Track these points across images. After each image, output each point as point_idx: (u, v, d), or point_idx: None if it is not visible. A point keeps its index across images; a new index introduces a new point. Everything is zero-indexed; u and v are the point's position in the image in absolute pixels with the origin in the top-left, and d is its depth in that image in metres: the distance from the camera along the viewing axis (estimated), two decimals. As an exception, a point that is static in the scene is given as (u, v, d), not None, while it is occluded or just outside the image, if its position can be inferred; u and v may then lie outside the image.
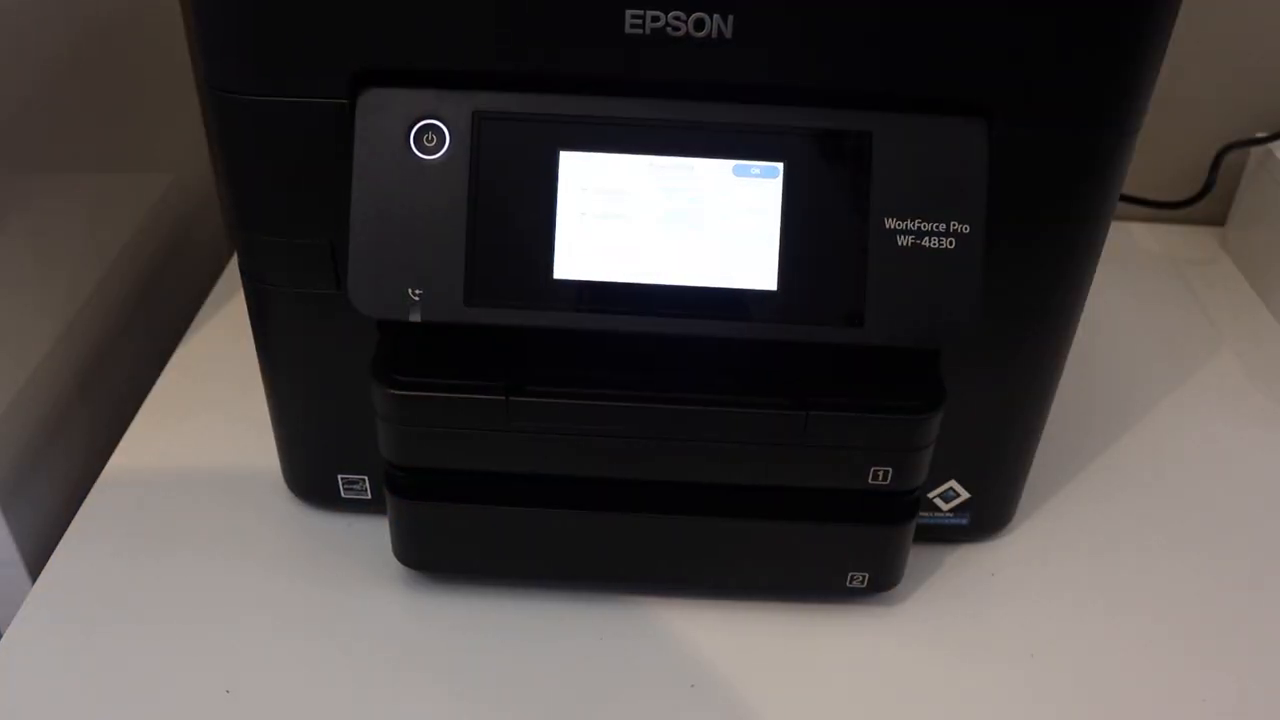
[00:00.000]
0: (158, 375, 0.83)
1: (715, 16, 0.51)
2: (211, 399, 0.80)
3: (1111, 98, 0.53)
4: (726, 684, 0.62)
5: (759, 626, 0.65)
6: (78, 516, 0.71)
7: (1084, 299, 0.61)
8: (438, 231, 0.54)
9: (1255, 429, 0.83)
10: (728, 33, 0.51)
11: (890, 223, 0.54)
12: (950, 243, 0.54)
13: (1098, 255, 0.59)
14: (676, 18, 0.51)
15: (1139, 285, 0.99)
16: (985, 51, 0.52)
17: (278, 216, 0.57)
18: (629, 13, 0.51)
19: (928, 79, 0.53)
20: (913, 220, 0.54)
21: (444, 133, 0.54)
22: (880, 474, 0.59)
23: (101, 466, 0.75)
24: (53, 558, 0.68)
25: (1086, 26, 0.51)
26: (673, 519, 0.62)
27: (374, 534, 0.68)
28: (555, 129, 0.54)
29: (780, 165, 0.54)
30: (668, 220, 0.55)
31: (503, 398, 0.56)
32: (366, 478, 0.68)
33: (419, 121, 0.54)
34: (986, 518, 0.69)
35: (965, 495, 0.67)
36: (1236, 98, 1.01)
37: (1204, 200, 1.01)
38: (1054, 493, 0.75)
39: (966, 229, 0.54)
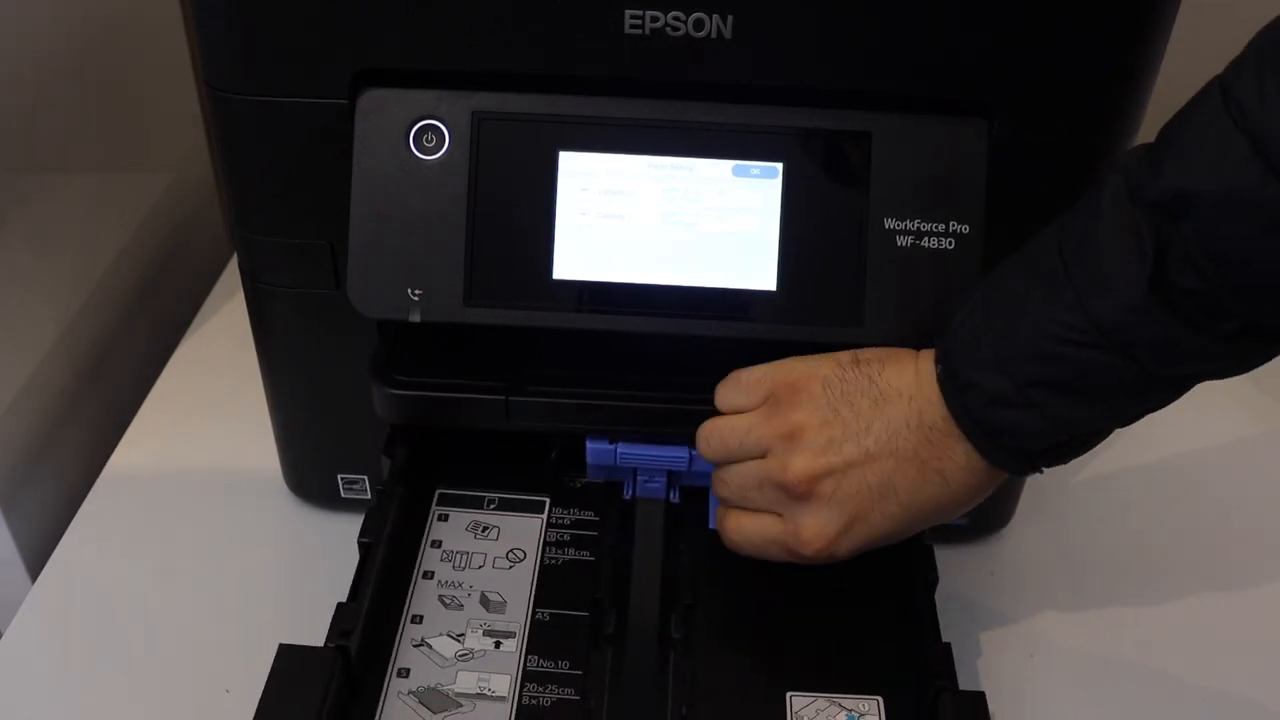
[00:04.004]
0: (158, 375, 0.83)
1: (715, 16, 0.51)
2: (211, 399, 0.80)
3: (1111, 98, 0.53)
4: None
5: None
6: (78, 516, 0.71)
7: (1084, 299, 0.61)
8: (438, 231, 0.54)
9: (1255, 428, 0.83)
10: (727, 33, 0.51)
11: (890, 223, 0.54)
12: (950, 243, 0.54)
13: (1097, 255, 0.59)
14: (676, 18, 0.51)
15: (1139, 285, 0.99)
16: (985, 51, 0.52)
17: (278, 216, 0.57)
18: (629, 13, 0.51)
19: (928, 79, 0.53)
20: (912, 220, 0.54)
21: (444, 133, 0.54)
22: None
23: (101, 466, 0.75)
24: (53, 558, 0.68)
25: (1086, 27, 0.51)
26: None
27: (374, 534, 0.68)
28: (555, 129, 0.54)
29: (780, 165, 0.54)
30: (667, 220, 0.55)
31: (502, 398, 0.56)
32: (366, 478, 0.68)
33: (419, 121, 0.54)
34: (986, 518, 0.69)
35: (965, 495, 0.67)
36: (1236, 98, 1.01)
37: (1204, 200, 1.01)
38: (1053, 493, 0.74)
39: (966, 229, 0.54)
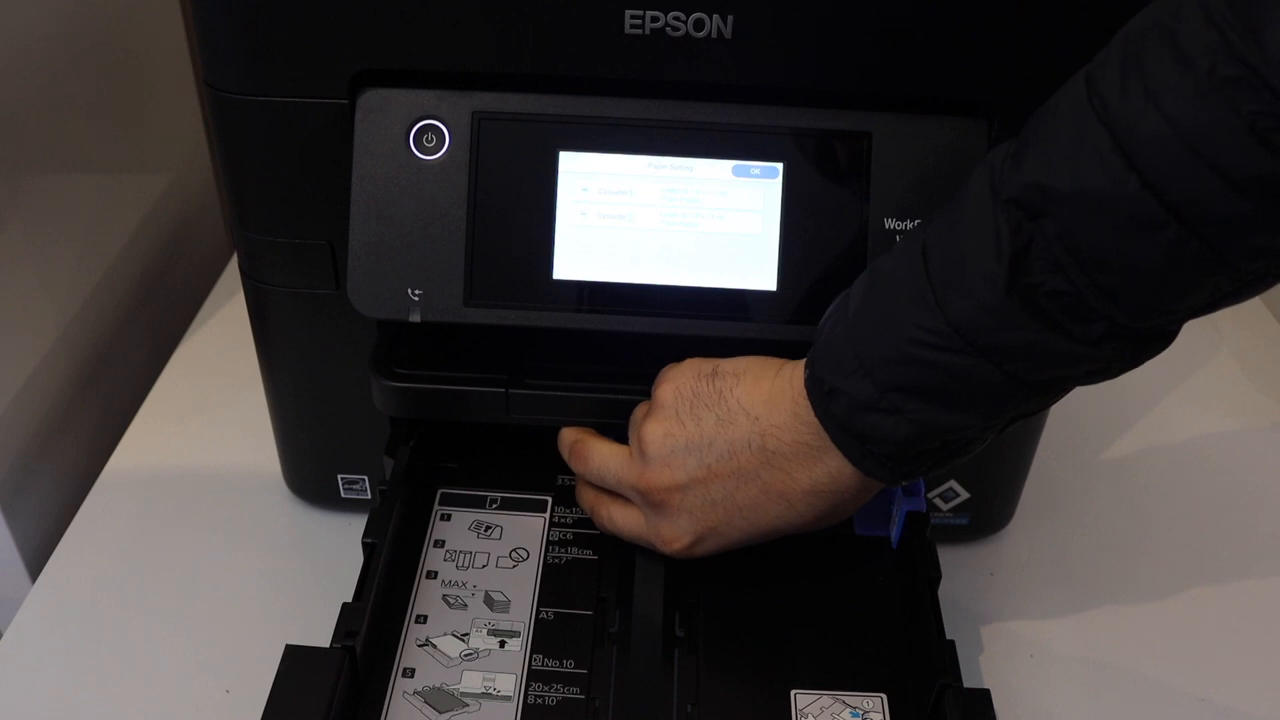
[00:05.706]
0: (158, 375, 0.83)
1: (715, 16, 0.51)
2: (211, 399, 0.80)
3: (1111, 98, 0.53)
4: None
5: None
6: (78, 516, 0.71)
7: (1084, 299, 0.61)
8: (438, 231, 0.54)
9: (1255, 428, 0.83)
10: (727, 33, 0.51)
11: (890, 223, 0.54)
12: (950, 243, 0.54)
13: (1097, 255, 0.59)
14: (676, 18, 0.51)
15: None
16: (985, 51, 0.52)
17: (278, 216, 0.57)
18: (629, 13, 0.51)
19: (928, 79, 0.53)
20: (912, 220, 0.54)
21: (444, 133, 0.54)
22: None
23: (101, 466, 0.75)
24: (53, 558, 0.68)
25: (1085, 27, 0.51)
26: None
27: (374, 534, 0.68)
28: (555, 129, 0.54)
29: (780, 165, 0.54)
30: (667, 220, 0.55)
31: (503, 390, 0.56)
32: (366, 478, 0.68)
33: (419, 121, 0.54)
34: (986, 518, 0.69)
35: (965, 495, 0.67)
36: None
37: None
38: (1053, 493, 0.75)
39: (966, 229, 0.54)
